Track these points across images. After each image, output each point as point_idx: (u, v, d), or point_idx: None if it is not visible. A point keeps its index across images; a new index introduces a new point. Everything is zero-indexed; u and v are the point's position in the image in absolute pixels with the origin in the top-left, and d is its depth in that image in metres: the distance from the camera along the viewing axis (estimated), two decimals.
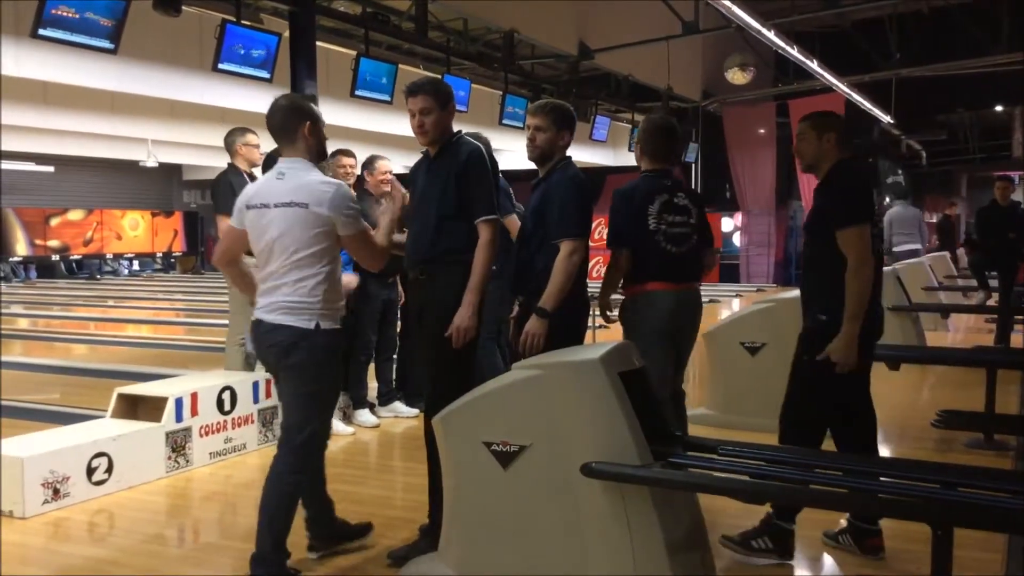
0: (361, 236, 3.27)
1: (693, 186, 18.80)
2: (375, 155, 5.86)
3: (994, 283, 9.50)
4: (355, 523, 3.74)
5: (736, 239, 20.26)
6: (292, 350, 3.17)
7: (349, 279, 5.15)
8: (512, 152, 13.62)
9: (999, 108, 22.08)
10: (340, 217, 3.18)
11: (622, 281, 3.94)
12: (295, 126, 3.24)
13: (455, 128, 3.60)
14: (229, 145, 5.69)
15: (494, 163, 3.68)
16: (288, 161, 3.27)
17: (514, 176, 6.92)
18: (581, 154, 15.95)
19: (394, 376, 6.13)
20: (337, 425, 5.53)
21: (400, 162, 11.40)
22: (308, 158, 3.27)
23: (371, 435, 5.63)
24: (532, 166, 3.87)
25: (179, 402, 4.82)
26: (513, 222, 4.86)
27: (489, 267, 3.45)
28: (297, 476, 3.27)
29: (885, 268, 9.73)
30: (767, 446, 3.28)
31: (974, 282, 10.29)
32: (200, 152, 17.44)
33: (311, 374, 3.21)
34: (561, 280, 3.54)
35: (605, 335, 5.00)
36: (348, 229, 3.21)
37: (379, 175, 5.69)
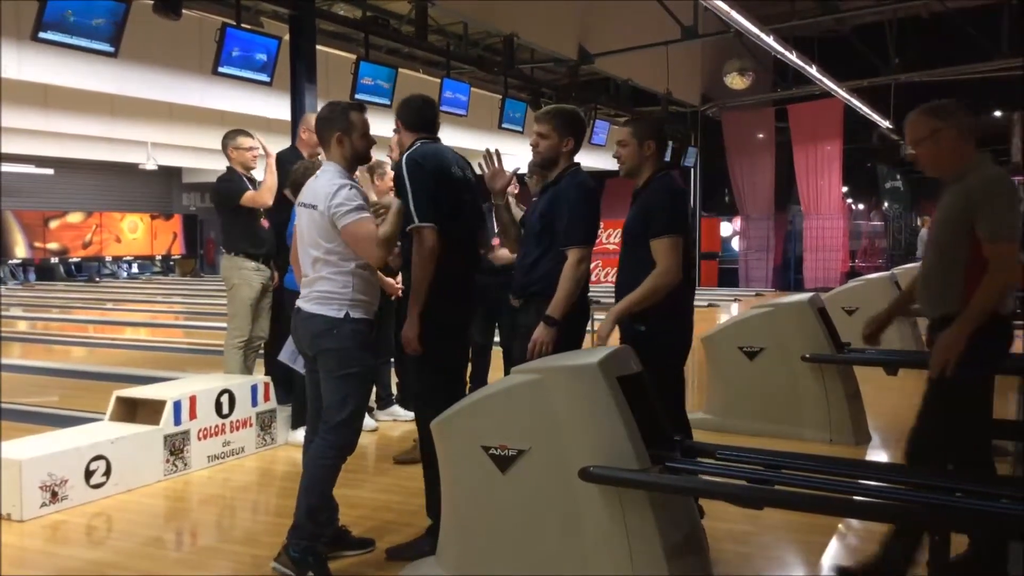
0: (350, 229, 3.39)
1: (692, 191, 18.87)
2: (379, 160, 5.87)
3: None
4: (357, 536, 3.75)
5: (735, 243, 20.30)
6: (324, 336, 3.44)
7: (390, 283, 5.20)
8: (512, 156, 13.60)
9: (997, 113, 22.09)
10: (334, 213, 3.38)
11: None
12: (329, 132, 3.52)
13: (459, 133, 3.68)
14: (224, 148, 5.71)
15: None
16: (324, 164, 3.59)
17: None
18: (581, 158, 15.94)
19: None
20: None
21: None
22: (340, 164, 3.52)
23: (369, 439, 5.63)
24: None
25: (177, 405, 4.82)
26: None
27: (423, 276, 3.51)
28: (335, 451, 3.46)
29: (883, 273, 9.75)
30: (766, 450, 3.28)
31: None
32: (200, 155, 17.44)
33: (342, 359, 3.43)
34: (570, 288, 3.56)
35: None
36: (340, 222, 3.38)
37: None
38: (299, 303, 3.53)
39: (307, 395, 3.66)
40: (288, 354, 3.87)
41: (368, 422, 5.78)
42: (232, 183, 5.60)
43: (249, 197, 5.53)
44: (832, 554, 3.82)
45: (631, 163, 3.67)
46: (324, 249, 3.43)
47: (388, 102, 9.15)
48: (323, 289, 3.45)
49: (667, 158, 16.63)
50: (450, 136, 5.19)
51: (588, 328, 4.12)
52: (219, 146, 5.96)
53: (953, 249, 3.15)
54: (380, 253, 3.47)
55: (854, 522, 4.01)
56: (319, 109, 3.65)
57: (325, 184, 3.44)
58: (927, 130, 3.20)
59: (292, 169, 5.16)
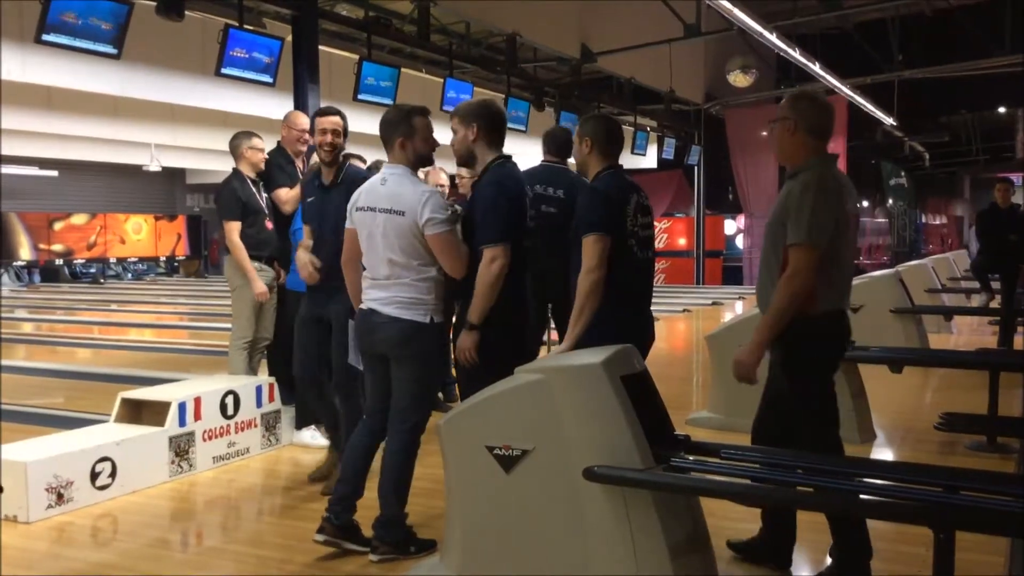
0: (441, 239, 3.47)
1: (696, 189, 18.86)
2: (379, 160, 5.89)
3: (996, 285, 9.49)
4: (365, 535, 3.75)
5: (739, 241, 20.28)
6: (410, 341, 3.53)
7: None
8: (514, 156, 13.61)
9: (1002, 109, 22.07)
10: (427, 221, 3.44)
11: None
12: (392, 136, 3.58)
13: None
14: (234, 149, 5.70)
15: None
16: (390, 167, 3.62)
17: None
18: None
19: None
20: None
21: None
22: (406, 165, 3.58)
23: None
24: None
25: (182, 406, 4.83)
26: None
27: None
28: (414, 448, 3.62)
29: (887, 270, 9.75)
30: (769, 449, 3.28)
31: (977, 284, 10.28)
32: (203, 156, 17.45)
33: (425, 362, 3.58)
34: (482, 290, 3.47)
35: None
36: (431, 230, 3.46)
37: None
38: (373, 305, 3.57)
39: (366, 392, 3.75)
40: (353, 356, 3.88)
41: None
42: (232, 194, 5.56)
43: (233, 231, 5.50)
44: None
45: (578, 160, 3.70)
46: (409, 254, 3.49)
47: (391, 102, 9.15)
48: (406, 295, 3.51)
49: (655, 154, 16.66)
50: None
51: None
52: (223, 147, 5.95)
53: (774, 249, 3.25)
54: (463, 272, 3.53)
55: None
56: (385, 112, 3.69)
57: (411, 190, 3.49)
58: (780, 114, 3.31)
59: (312, 167, 5.28)
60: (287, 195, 5.54)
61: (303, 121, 5.84)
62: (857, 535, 3.18)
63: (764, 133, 18.37)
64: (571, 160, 4.28)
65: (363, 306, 3.63)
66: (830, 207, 3.14)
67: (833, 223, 3.14)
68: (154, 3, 6.91)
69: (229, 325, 5.93)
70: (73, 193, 21.56)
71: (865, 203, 27.69)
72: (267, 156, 5.70)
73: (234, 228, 5.52)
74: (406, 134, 3.57)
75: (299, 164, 5.78)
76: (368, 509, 3.70)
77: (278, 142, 5.83)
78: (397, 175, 3.56)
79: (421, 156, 3.62)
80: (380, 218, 3.52)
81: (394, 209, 3.49)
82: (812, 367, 3.27)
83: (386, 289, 3.54)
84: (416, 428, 3.61)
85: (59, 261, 20.85)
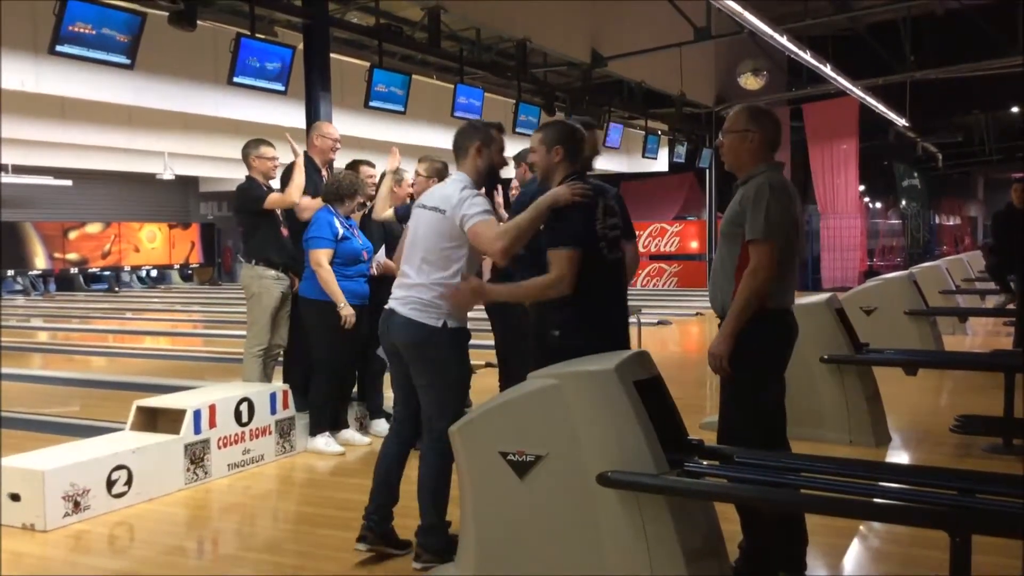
0: (475, 228, 3.43)
1: (708, 192, 18.81)
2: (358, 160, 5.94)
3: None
4: (401, 537, 3.76)
5: None
6: (422, 345, 3.51)
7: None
8: None
9: (1015, 109, 21.93)
10: (463, 216, 3.42)
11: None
12: (463, 145, 3.61)
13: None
14: (245, 157, 5.74)
15: None
16: (455, 173, 3.66)
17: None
18: (596, 161, 15.90)
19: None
20: (353, 435, 5.56)
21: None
22: (471, 175, 3.59)
23: (369, 445, 5.62)
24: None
25: (197, 414, 4.85)
26: None
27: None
28: (447, 458, 3.48)
29: (901, 272, 9.70)
30: (783, 454, 3.28)
31: (991, 285, 10.23)
32: (216, 164, 17.54)
33: (439, 368, 3.53)
34: (527, 286, 3.56)
35: None
36: (468, 224, 3.42)
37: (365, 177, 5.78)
38: (393, 305, 3.59)
39: (393, 386, 3.75)
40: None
41: (387, 428, 5.68)
42: (254, 189, 5.63)
43: (275, 199, 5.56)
44: (853, 557, 3.80)
45: (541, 168, 3.58)
46: (436, 254, 3.49)
47: (402, 109, 9.20)
48: (423, 297, 3.50)
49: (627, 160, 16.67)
50: None
51: None
52: (235, 155, 6.00)
53: (729, 249, 3.36)
54: (501, 245, 3.38)
55: (876, 524, 3.99)
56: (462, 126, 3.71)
57: (456, 191, 3.50)
58: (740, 127, 3.39)
59: (336, 178, 5.38)
60: (308, 203, 5.55)
61: (335, 132, 5.94)
62: (768, 533, 3.27)
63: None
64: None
65: (387, 305, 3.65)
66: (784, 207, 3.27)
67: (788, 221, 3.27)
68: (167, 14, 6.96)
69: (243, 332, 5.96)
70: (87, 202, 21.70)
71: (878, 204, 27.60)
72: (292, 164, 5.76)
73: (275, 196, 5.58)
74: (484, 141, 3.58)
75: (324, 173, 5.83)
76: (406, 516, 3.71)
77: (304, 151, 5.86)
78: (456, 179, 3.60)
79: (493, 167, 3.62)
80: (424, 214, 3.56)
81: (438, 207, 3.51)
82: (760, 363, 3.32)
83: (408, 289, 3.55)
84: (444, 436, 3.48)
85: (74, 270, 20.98)
